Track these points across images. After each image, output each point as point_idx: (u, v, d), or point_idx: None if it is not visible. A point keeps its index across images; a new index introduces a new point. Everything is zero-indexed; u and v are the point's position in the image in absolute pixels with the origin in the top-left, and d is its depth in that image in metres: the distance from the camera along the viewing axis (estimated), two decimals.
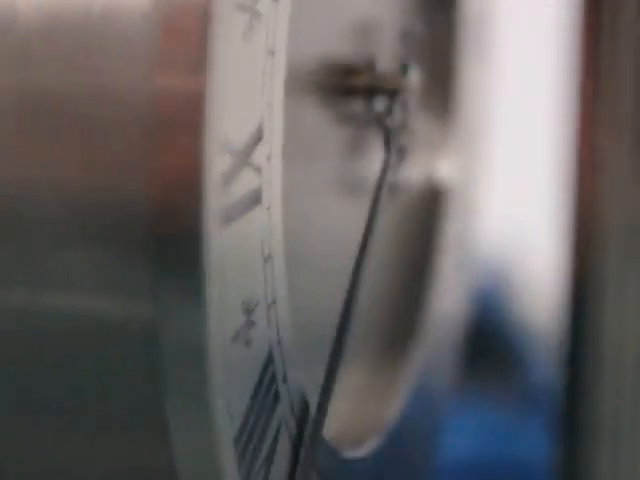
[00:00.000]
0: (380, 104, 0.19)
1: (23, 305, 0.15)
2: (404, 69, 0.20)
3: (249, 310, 0.15)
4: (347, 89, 0.19)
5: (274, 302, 0.16)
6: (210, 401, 0.14)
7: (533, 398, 0.40)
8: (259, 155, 0.15)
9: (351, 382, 0.21)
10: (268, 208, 0.16)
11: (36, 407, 0.16)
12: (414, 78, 0.20)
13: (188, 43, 0.14)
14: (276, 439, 0.16)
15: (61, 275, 0.15)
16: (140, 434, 0.16)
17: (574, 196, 0.14)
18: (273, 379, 0.16)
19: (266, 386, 0.16)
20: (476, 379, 0.40)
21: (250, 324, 0.15)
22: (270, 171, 0.16)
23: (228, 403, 0.15)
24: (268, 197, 0.16)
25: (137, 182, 0.14)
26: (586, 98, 0.14)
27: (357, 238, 0.20)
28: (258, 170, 0.15)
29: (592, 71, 0.16)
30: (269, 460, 0.16)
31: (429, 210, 0.24)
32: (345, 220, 0.20)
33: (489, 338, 0.42)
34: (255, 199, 0.15)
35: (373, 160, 0.20)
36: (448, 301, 0.24)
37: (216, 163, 0.14)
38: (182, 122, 0.14)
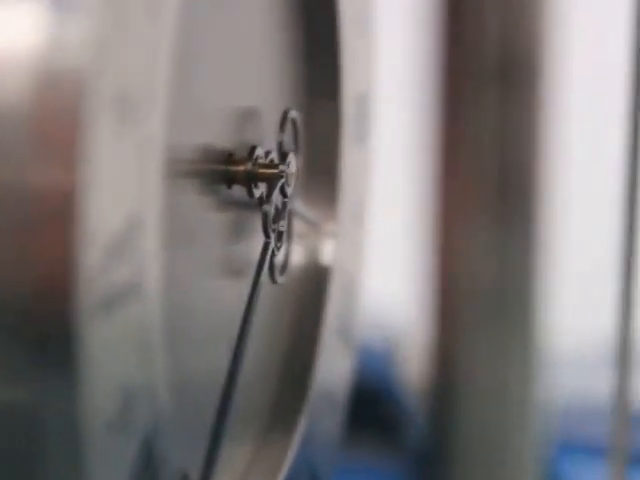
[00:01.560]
0: (259, 190, 0.19)
1: None
2: (283, 156, 0.20)
3: (126, 396, 0.15)
4: (227, 176, 0.19)
5: (152, 387, 0.16)
6: None
7: (410, 462, 0.41)
8: (134, 245, 0.15)
9: (236, 459, 0.21)
10: (144, 296, 0.15)
11: None
12: (292, 165, 0.20)
13: (59, 141, 0.13)
14: None
15: None
16: None
17: (434, 274, 0.14)
18: (152, 463, 0.16)
19: (144, 470, 0.16)
20: (356, 446, 0.40)
21: (127, 409, 0.15)
22: (145, 260, 0.15)
23: None
24: (144, 286, 0.15)
25: (12, 274, 0.13)
26: (444, 175, 0.14)
27: (239, 317, 0.19)
28: (133, 260, 0.15)
29: (452, 150, 0.15)
30: None
31: (313, 288, 0.23)
32: (228, 300, 0.20)
33: (370, 405, 0.42)
34: (130, 289, 0.15)
35: (256, 242, 0.20)
36: (331, 372, 0.24)
37: (87, 257, 0.14)
38: (53, 218, 0.13)
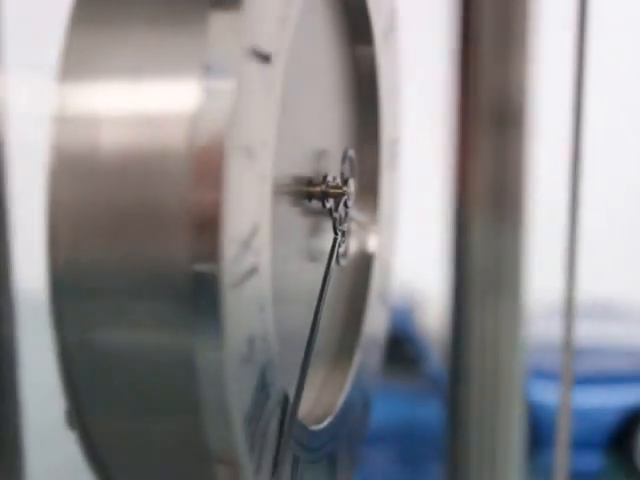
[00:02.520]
0: (329, 204, 0.19)
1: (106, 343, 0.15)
2: (345, 181, 0.20)
3: (251, 339, 0.15)
4: (308, 194, 0.19)
5: (266, 336, 0.16)
6: (230, 400, 0.14)
7: (427, 385, 0.42)
8: (255, 241, 0.15)
9: (315, 379, 0.21)
10: (261, 274, 0.15)
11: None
12: (351, 187, 0.20)
13: (211, 172, 0.14)
14: (268, 421, 0.16)
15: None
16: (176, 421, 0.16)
17: (450, 256, 0.14)
18: (266, 385, 0.16)
19: (262, 388, 0.16)
20: (390, 373, 0.41)
21: (252, 350, 0.15)
22: (262, 251, 0.15)
23: (241, 400, 0.15)
24: (261, 267, 0.15)
25: (186, 258, 0.14)
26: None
27: (318, 287, 0.19)
28: (255, 251, 0.15)
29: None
30: (264, 434, 0.16)
31: (363, 267, 0.23)
32: (310, 276, 0.20)
33: (399, 346, 0.42)
34: (253, 269, 0.15)
35: (327, 238, 0.20)
36: (376, 319, 0.24)
37: (229, 248, 0.14)
38: (208, 222, 0.14)
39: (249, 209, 0.15)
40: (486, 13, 0.11)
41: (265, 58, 0.15)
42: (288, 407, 0.17)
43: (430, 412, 0.40)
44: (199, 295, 0.14)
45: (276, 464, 0.17)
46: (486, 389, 0.14)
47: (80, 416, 0.15)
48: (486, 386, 0.14)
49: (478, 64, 0.12)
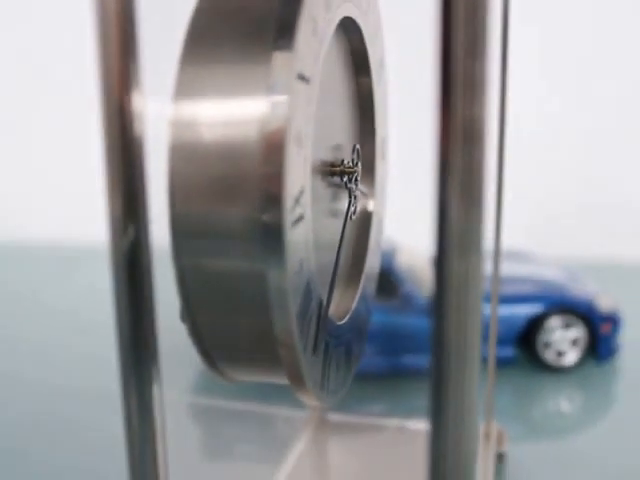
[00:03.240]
0: (345, 179, 0.19)
1: None
2: (355, 164, 0.20)
3: (301, 263, 0.15)
4: (332, 172, 0.19)
5: (309, 259, 0.16)
6: (289, 302, 0.14)
7: (403, 303, 0.40)
8: (302, 199, 0.15)
9: (337, 292, 0.21)
10: (306, 221, 0.15)
11: None
12: (359, 168, 0.20)
13: (274, 156, 0.14)
14: (311, 316, 0.16)
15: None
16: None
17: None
18: (309, 291, 0.16)
19: (306, 294, 0.16)
20: (379, 295, 0.41)
21: (301, 269, 0.15)
22: (306, 206, 0.15)
23: (295, 302, 0.15)
24: (306, 216, 0.15)
25: (258, 209, 0.14)
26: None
27: (339, 234, 0.19)
28: (302, 206, 0.15)
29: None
30: (308, 325, 0.16)
31: (366, 222, 0.23)
32: (333, 227, 0.20)
33: (385, 277, 0.42)
34: (301, 217, 0.15)
35: (344, 202, 0.20)
36: (373, 257, 0.24)
37: (287, 203, 0.14)
38: (273, 188, 0.14)
39: (298, 178, 0.15)
40: (459, 63, 0.11)
41: (307, 80, 0.15)
42: (322, 308, 0.17)
43: (405, 321, 0.41)
44: (270, 232, 0.14)
45: (315, 345, 0.17)
46: (460, 304, 0.13)
47: (190, 314, 0.16)
48: (460, 301, 0.13)
49: (452, 99, 0.11)
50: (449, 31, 0.11)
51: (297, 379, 0.16)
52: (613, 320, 0.43)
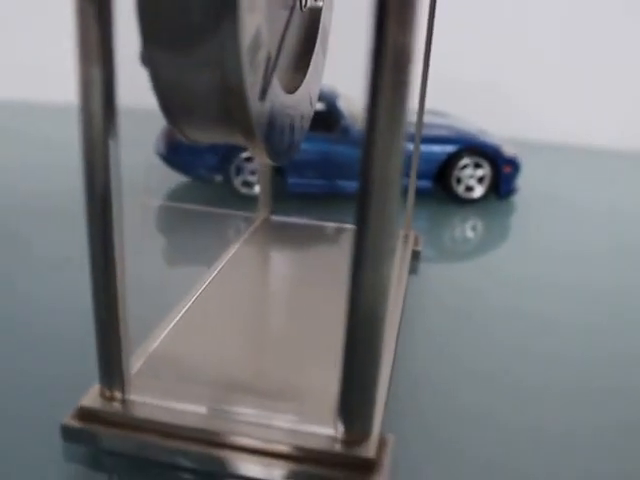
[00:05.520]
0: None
1: None
2: None
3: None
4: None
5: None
6: (242, 48, 0.14)
7: (341, 135, 0.43)
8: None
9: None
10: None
11: None
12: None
13: None
14: (259, 63, 0.16)
15: None
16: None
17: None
18: (258, 40, 0.15)
19: (255, 42, 0.15)
20: (321, 128, 0.43)
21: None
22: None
23: (247, 52, 0.14)
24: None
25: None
26: None
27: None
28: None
29: None
30: (256, 71, 0.16)
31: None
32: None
33: (328, 113, 0.45)
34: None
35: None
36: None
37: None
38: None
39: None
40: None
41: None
42: (270, 62, 0.17)
43: (342, 150, 0.45)
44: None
45: (263, 93, 0.17)
46: (386, 136, 0.13)
47: (150, 59, 0.15)
48: (386, 134, 0.14)
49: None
50: None
51: (246, 128, 0.16)
52: (514, 163, 0.50)
